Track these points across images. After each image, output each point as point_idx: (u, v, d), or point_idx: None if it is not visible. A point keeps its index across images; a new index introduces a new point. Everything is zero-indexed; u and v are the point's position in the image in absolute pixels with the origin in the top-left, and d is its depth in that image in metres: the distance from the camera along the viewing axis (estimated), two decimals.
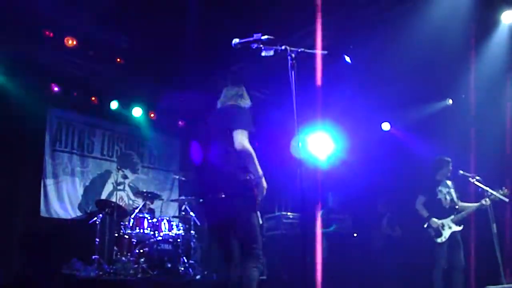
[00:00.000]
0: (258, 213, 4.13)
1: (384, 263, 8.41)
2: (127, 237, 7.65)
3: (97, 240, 7.48)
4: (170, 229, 7.90)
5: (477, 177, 6.22)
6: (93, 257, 7.29)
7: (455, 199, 6.54)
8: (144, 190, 8.67)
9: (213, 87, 9.34)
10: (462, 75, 7.97)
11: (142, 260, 7.38)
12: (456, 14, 6.58)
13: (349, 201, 8.96)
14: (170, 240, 7.83)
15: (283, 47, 3.35)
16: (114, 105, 9.24)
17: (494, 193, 6.11)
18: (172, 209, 9.94)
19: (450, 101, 8.85)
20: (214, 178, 4.16)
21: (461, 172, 6.40)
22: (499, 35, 7.23)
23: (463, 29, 6.90)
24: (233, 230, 4.14)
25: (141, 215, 7.81)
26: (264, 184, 4.09)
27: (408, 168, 8.29)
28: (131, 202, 9.59)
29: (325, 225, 8.46)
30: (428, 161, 6.98)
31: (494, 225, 5.91)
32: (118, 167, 8.74)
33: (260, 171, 4.05)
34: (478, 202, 6.30)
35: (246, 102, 4.39)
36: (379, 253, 8.71)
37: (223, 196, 4.05)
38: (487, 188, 6.14)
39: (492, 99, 7.75)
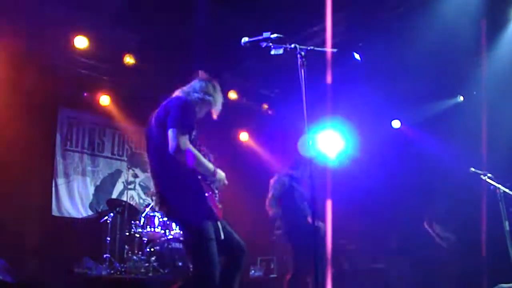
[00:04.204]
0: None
1: (399, 262, 8.33)
2: (138, 236, 7.67)
3: (108, 239, 7.54)
4: None
5: (489, 174, 6.14)
6: (105, 255, 7.34)
7: None
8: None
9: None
10: (473, 71, 7.92)
11: (153, 258, 7.40)
12: (467, 11, 6.54)
13: (359, 199, 8.91)
14: (181, 238, 7.84)
15: (292, 45, 3.33)
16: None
17: (507, 191, 6.04)
18: None
19: (461, 98, 8.78)
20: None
21: (472, 169, 6.33)
22: (511, 31, 7.17)
23: (474, 26, 6.85)
24: None
25: (152, 214, 7.82)
26: (220, 176, 3.57)
27: (418, 165, 8.23)
28: (141, 201, 9.61)
29: None
30: (439, 158, 6.93)
31: (507, 223, 5.84)
32: (129, 166, 8.77)
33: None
34: None
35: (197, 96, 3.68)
36: (394, 253, 8.63)
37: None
38: (499, 186, 6.07)
39: (504, 95, 7.68)
